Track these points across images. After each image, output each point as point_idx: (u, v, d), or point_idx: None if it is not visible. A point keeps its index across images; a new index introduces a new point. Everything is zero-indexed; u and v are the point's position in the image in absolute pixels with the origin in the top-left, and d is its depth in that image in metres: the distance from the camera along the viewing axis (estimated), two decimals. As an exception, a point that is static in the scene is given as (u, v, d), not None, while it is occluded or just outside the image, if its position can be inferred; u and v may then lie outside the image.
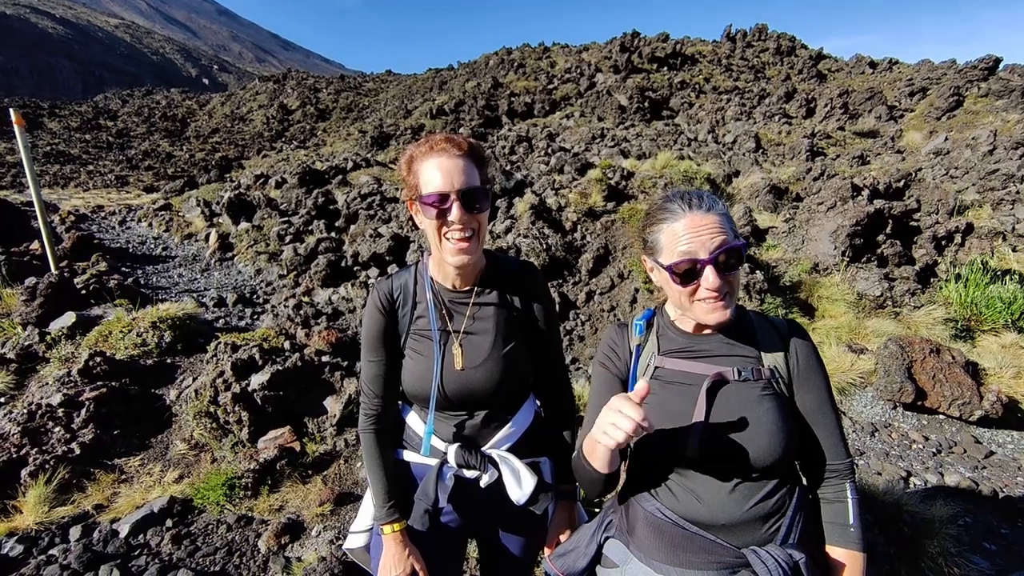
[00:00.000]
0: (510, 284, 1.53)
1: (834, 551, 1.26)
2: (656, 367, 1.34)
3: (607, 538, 1.41)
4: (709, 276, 1.17)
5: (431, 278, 1.50)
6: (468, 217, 1.32)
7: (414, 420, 1.56)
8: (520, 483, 1.47)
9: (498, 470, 1.48)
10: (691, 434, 1.23)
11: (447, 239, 1.34)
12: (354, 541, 1.66)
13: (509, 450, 1.52)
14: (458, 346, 1.45)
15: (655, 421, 1.30)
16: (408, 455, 1.56)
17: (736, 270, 1.22)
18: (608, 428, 1.06)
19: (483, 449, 1.50)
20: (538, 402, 1.69)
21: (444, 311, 1.48)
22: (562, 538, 1.60)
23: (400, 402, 1.61)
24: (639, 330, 1.39)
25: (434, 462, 1.49)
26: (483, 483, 1.47)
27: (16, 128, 5.57)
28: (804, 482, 1.35)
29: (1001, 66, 17.94)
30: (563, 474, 1.60)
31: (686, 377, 1.30)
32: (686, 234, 1.19)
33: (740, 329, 1.33)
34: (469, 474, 1.48)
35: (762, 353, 1.30)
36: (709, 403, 1.25)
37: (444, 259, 1.39)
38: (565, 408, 1.66)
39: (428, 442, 1.48)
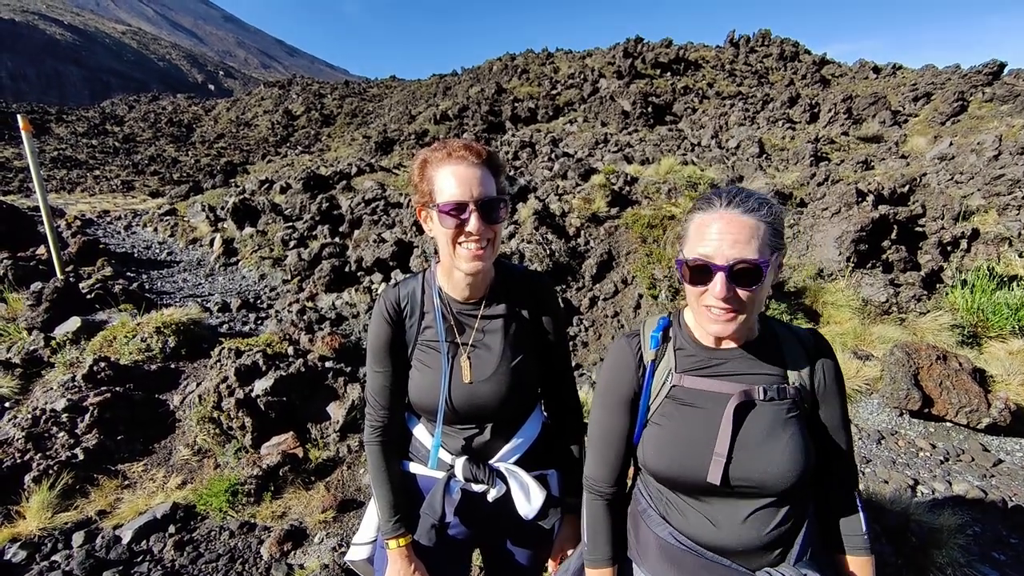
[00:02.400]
0: (519, 295, 1.50)
1: (848, 559, 1.26)
2: (673, 385, 1.23)
3: None
4: (717, 285, 1.07)
5: (439, 288, 1.47)
6: (486, 227, 1.29)
7: (421, 432, 1.52)
8: (529, 498, 1.44)
9: (506, 484, 1.45)
10: (715, 463, 1.14)
11: (462, 248, 1.31)
12: (357, 553, 1.63)
13: (516, 462, 1.49)
14: (466, 359, 1.42)
15: (673, 447, 1.21)
16: (414, 467, 1.53)
17: (754, 288, 1.09)
18: None
19: (491, 462, 1.47)
20: (545, 413, 1.66)
21: (453, 322, 1.45)
22: (569, 552, 1.57)
23: (407, 413, 1.58)
24: (654, 343, 1.26)
25: (441, 475, 1.46)
26: (491, 497, 1.45)
27: (23, 134, 5.61)
28: (812, 494, 1.32)
29: (1006, 71, 17.92)
30: (570, 486, 1.57)
31: (707, 398, 1.20)
32: (711, 232, 1.09)
33: (764, 343, 1.23)
34: (477, 488, 1.45)
35: (788, 370, 1.21)
36: (735, 427, 1.15)
37: (457, 267, 1.36)
38: (573, 420, 1.63)
39: (435, 455, 1.45)
